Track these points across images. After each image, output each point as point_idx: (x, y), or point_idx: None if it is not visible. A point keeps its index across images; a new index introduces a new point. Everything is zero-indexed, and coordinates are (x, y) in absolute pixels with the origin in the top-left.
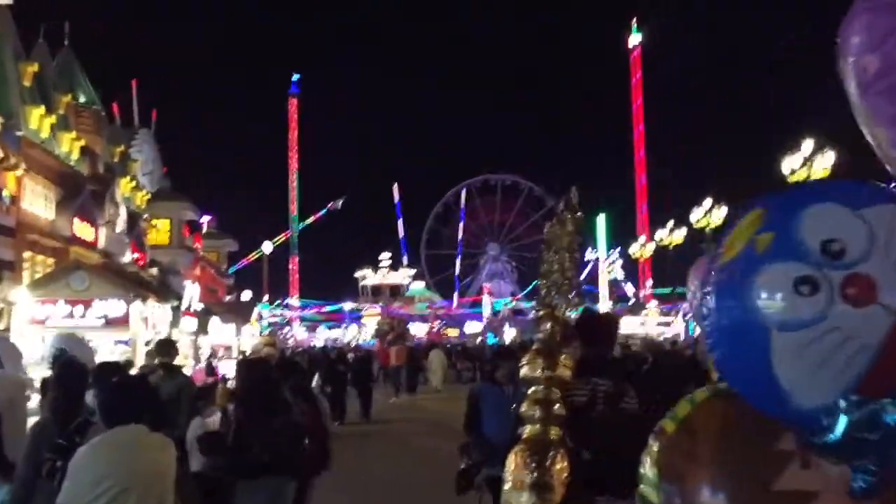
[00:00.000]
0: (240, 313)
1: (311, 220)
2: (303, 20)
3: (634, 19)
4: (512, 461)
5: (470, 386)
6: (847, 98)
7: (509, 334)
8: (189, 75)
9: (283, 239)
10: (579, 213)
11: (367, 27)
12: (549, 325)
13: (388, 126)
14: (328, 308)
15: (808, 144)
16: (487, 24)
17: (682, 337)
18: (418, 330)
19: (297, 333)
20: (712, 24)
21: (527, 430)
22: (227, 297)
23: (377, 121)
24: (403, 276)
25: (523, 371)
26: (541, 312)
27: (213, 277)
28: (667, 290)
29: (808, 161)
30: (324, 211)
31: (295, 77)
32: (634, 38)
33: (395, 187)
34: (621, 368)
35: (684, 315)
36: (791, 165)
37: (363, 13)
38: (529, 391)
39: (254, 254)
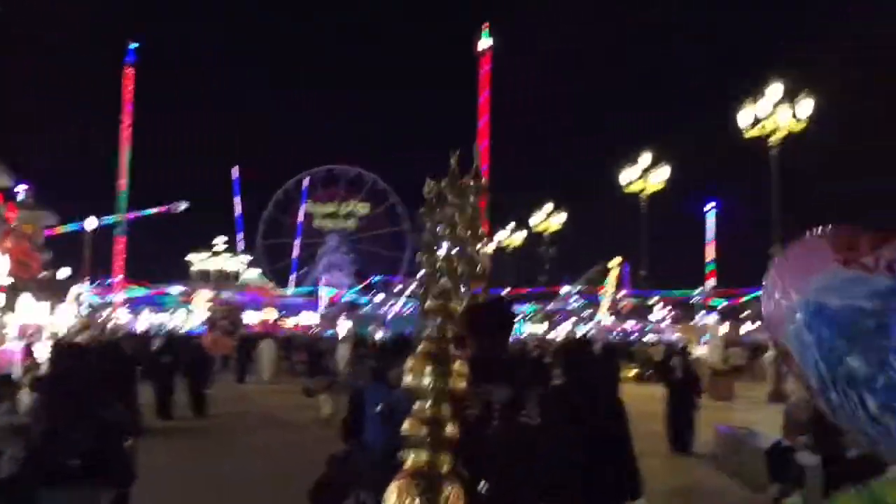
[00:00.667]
0: (55, 291)
1: (152, 210)
2: None
3: (486, 24)
4: (393, 495)
5: (351, 382)
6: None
7: (344, 327)
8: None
9: (119, 219)
10: (484, 180)
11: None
12: (439, 322)
13: (230, 108)
14: (155, 291)
15: (645, 158)
16: (346, 17)
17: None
18: (251, 318)
19: (120, 316)
20: (562, 34)
21: (411, 458)
22: (43, 274)
23: (217, 101)
24: (238, 262)
25: (407, 380)
26: (429, 304)
27: (27, 251)
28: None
29: (644, 173)
30: (150, 212)
31: (133, 45)
32: (485, 43)
33: (235, 170)
34: (521, 371)
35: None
36: (629, 177)
37: None
38: (415, 406)
39: (59, 228)
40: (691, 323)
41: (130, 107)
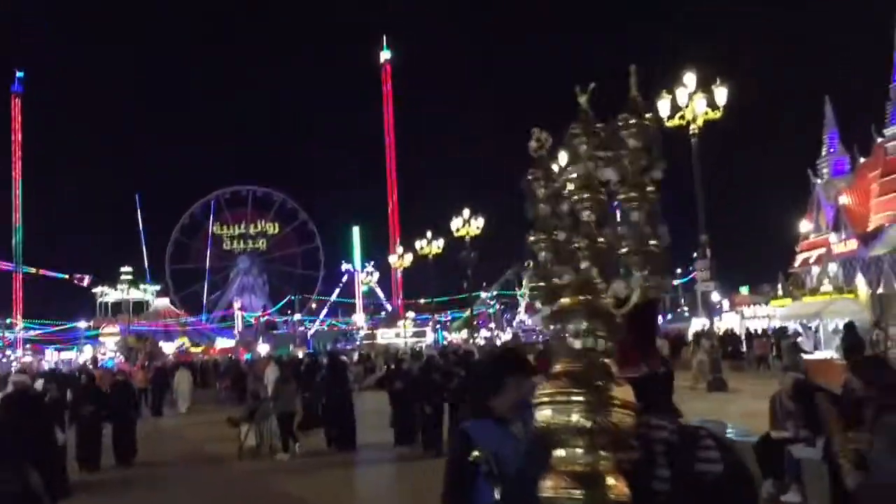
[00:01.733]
0: None
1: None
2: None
3: (385, 37)
4: None
5: (278, 406)
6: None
7: (263, 349)
8: None
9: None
10: (655, 115)
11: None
12: (584, 328)
13: (130, 132)
14: (58, 328)
15: (563, 156)
16: (249, 31)
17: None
18: (164, 348)
19: (23, 356)
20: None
21: None
22: None
23: (117, 126)
24: (146, 291)
25: (543, 414)
26: (563, 302)
27: None
28: (428, 300)
29: (563, 171)
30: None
31: (19, 74)
32: (385, 55)
33: (137, 198)
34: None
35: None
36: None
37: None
38: (558, 454)
39: None
40: None
41: (20, 136)
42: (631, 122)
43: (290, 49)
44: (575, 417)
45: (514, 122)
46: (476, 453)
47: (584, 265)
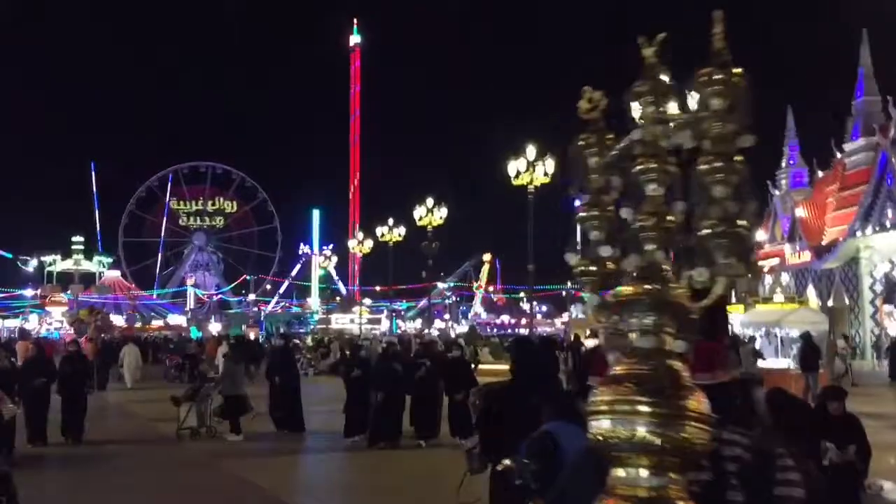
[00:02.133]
0: None
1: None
2: None
3: (355, 20)
4: None
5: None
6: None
7: (214, 328)
8: None
9: None
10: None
11: None
12: (652, 322)
13: (87, 98)
14: (6, 295)
15: (531, 150)
16: (205, 9)
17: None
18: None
19: None
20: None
21: None
22: None
23: (75, 93)
24: (98, 262)
25: (599, 426)
26: (624, 289)
27: None
28: (385, 288)
29: (531, 165)
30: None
31: None
32: (355, 39)
33: (93, 166)
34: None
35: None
36: (517, 168)
37: None
38: (616, 474)
39: None
40: (565, 316)
41: None
42: (716, 77)
43: (260, 25)
44: (640, 431)
45: (483, 112)
46: (507, 462)
47: (648, 247)
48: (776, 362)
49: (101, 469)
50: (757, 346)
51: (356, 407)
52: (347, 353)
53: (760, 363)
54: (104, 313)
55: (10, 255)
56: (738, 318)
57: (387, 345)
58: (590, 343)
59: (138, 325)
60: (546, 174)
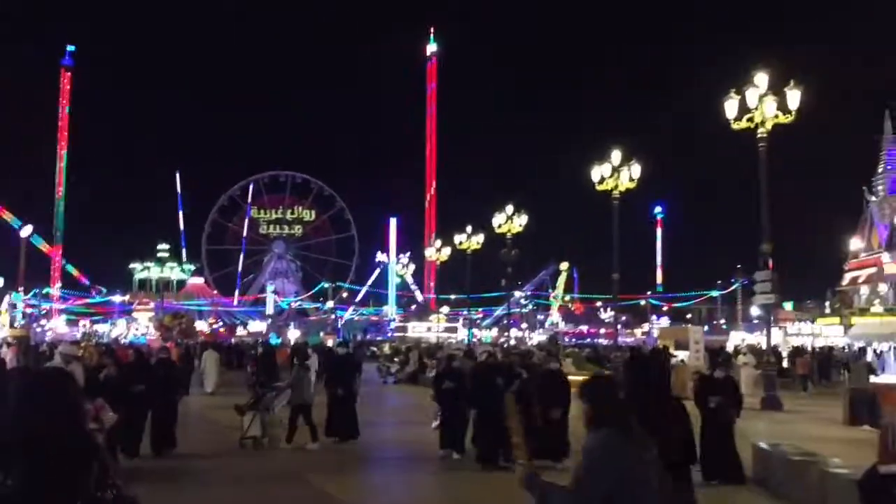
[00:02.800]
0: None
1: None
2: None
3: (432, 29)
4: None
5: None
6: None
7: (293, 335)
8: None
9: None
10: None
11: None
12: None
13: (174, 110)
14: (95, 300)
15: (616, 155)
16: (282, 23)
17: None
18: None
19: (58, 326)
20: (508, 35)
21: None
22: None
23: (162, 102)
24: (183, 270)
25: None
26: None
27: None
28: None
29: (616, 171)
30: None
31: (70, 48)
32: (431, 47)
33: (178, 175)
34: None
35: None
36: (601, 173)
37: None
38: None
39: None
40: (647, 325)
41: (66, 111)
42: None
43: (336, 37)
44: None
45: (562, 122)
46: None
47: None
48: (891, 377)
49: (193, 484)
50: (869, 360)
51: (451, 421)
52: (426, 360)
53: (875, 378)
54: (188, 318)
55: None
56: (853, 331)
57: (485, 354)
58: (682, 354)
59: (221, 330)
60: (632, 179)
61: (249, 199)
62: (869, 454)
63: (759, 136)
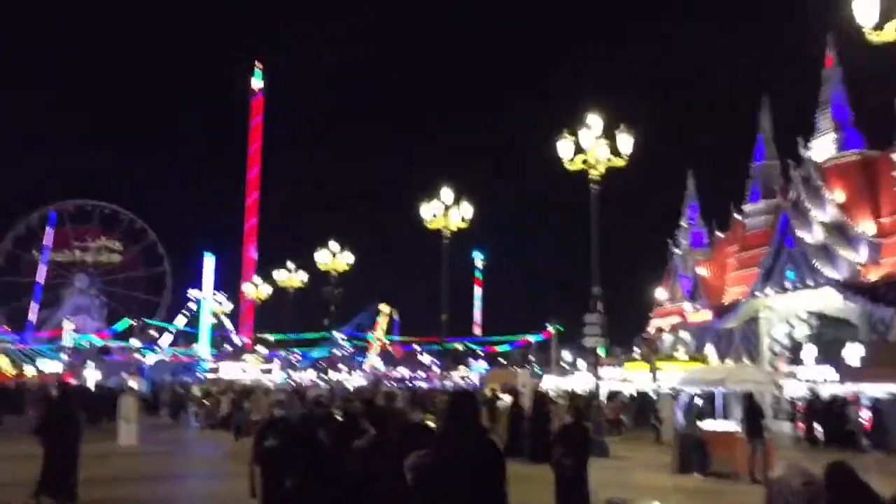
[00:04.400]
0: None
1: None
2: None
3: (257, 62)
4: None
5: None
6: None
7: (93, 376)
8: None
9: None
10: None
11: None
12: None
13: None
14: None
15: (446, 193)
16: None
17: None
18: None
19: None
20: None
21: None
22: None
23: None
24: None
25: None
26: None
27: None
28: (280, 336)
29: (448, 209)
30: None
31: None
32: (256, 83)
33: None
34: None
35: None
36: (432, 211)
37: None
38: None
39: None
40: (463, 368)
41: None
42: None
43: (157, 61)
44: None
45: (388, 158)
46: None
47: None
48: (720, 424)
49: None
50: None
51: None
52: (244, 405)
53: (702, 424)
54: None
55: None
56: (681, 376)
57: (315, 401)
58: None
59: (8, 371)
60: (463, 219)
61: (50, 229)
62: None
63: (591, 178)
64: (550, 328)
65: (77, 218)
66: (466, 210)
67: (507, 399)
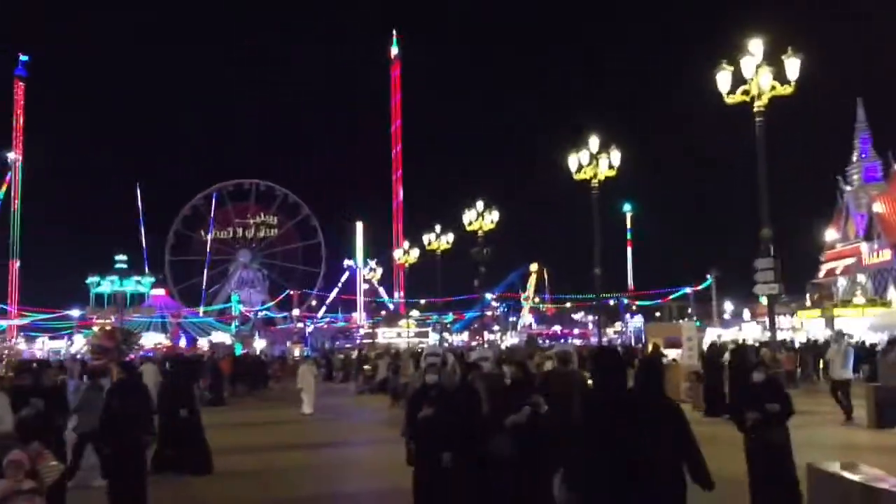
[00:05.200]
0: None
1: None
2: None
3: (394, 32)
4: None
5: None
6: None
7: (259, 345)
8: None
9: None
10: None
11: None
12: None
13: (132, 119)
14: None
15: (593, 141)
16: (245, 29)
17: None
18: (154, 340)
19: (18, 345)
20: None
21: None
22: None
23: (119, 112)
24: (139, 283)
25: None
26: None
27: None
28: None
29: (595, 158)
30: None
31: (24, 58)
32: (394, 51)
33: (138, 187)
34: None
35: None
36: (579, 162)
37: None
38: None
39: None
40: (619, 324)
41: (21, 121)
42: None
43: (297, 42)
44: None
45: (533, 116)
46: None
47: None
48: None
49: None
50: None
51: (422, 464)
52: (396, 370)
53: None
54: (125, 331)
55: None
56: (871, 322)
57: (473, 362)
58: (673, 353)
59: (182, 344)
60: (611, 167)
61: (213, 209)
62: None
63: (756, 109)
64: (710, 277)
65: (236, 196)
66: (615, 157)
67: (672, 354)
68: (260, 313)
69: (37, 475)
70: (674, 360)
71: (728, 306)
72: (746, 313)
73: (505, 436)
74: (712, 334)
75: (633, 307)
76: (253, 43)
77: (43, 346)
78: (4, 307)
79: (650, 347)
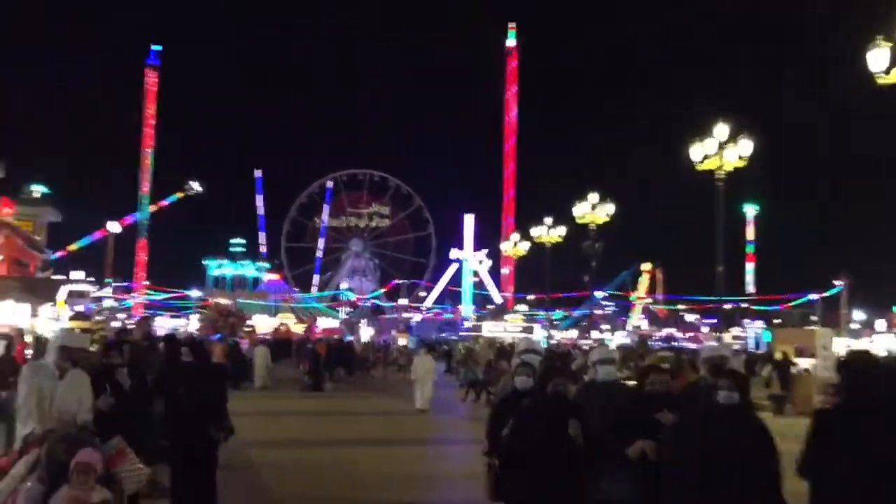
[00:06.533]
0: (40, 292)
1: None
2: None
3: (510, 24)
4: None
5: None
6: None
7: (366, 333)
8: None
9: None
10: None
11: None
12: None
13: (252, 110)
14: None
15: (721, 129)
16: (362, 21)
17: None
18: (267, 324)
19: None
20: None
21: None
22: (41, 274)
23: (240, 103)
24: (258, 266)
25: None
26: None
27: (20, 249)
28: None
29: (722, 147)
30: (172, 199)
31: (156, 48)
32: (510, 42)
33: (258, 173)
34: None
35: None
36: (704, 152)
37: None
38: None
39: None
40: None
41: (153, 110)
42: None
43: (409, 34)
44: None
45: (644, 109)
46: None
47: None
48: None
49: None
50: None
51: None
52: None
53: None
54: (237, 313)
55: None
56: None
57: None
58: (806, 362)
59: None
60: (741, 157)
61: (328, 198)
62: None
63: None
64: (839, 283)
65: (350, 186)
66: (745, 147)
67: (804, 363)
68: (368, 302)
69: (114, 481)
70: (806, 370)
71: (858, 315)
72: (881, 324)
73: (626, 471)
74: (841, 344)
75: (749, 312)
76: (366, 38)
77: (164, 325)
78: (131, 285)
79: (777, 355)
